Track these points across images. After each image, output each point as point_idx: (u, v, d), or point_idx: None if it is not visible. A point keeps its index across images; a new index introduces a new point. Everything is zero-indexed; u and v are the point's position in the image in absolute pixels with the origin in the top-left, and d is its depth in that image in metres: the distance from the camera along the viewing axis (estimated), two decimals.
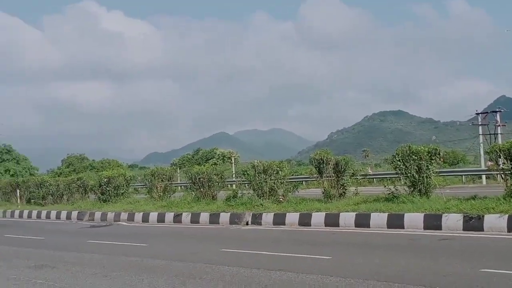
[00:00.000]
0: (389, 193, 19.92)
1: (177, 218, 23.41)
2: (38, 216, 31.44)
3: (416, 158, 19.30)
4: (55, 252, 16.15)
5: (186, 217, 23.01)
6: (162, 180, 29.13)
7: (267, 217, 20.56)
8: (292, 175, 26.72)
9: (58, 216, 30.26)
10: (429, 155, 19.41)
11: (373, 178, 29.69)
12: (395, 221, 16.94)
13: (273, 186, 22.94)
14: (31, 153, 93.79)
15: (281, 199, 22.46)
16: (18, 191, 38.52)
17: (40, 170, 79.46)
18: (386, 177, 23.93)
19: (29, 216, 32.40)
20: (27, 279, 11.53)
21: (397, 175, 21.74)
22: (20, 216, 33.09)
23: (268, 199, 22.55)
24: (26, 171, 72.77)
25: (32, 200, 36.92)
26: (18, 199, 38.25)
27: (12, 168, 72.42)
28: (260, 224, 20.62)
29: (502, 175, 18.40)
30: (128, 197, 31.30)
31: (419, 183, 19.38)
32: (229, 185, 28.56)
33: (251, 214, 21.25)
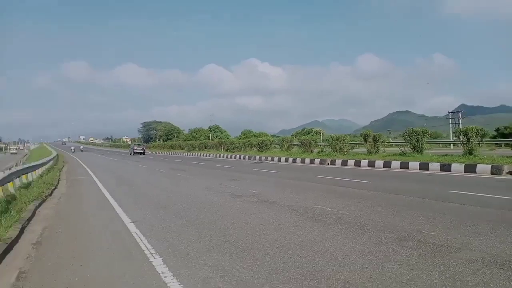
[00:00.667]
0: (401, 152, 23.10)
1: (294, 161, 27.43)
2: (230, 157, 37.44)
3: (415, 134, 22.32)
4: (239, 174, 19.25)
5: (299, 160, 27.13)
6: (286, 142, 35.92)
7: (338, 162, 23.36)
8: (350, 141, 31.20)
9: (238, 157, 36.17)
10: (422, 132, 22.31)
11: (392, 144, 33.25)
12: (404, 165, 18.74)
13: (341, 146, 28.27)
14: (228, 127, 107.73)
15: (345, 153, 27.76)
16: (221, 145, 47.83)
17: (231, 136, 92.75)
18: (400, 143, 28.17)
19: (227, 156, 38.59)
20: (225, 184, 14.21)
21: (405, 142, 23.63)
22: (223, 157, 38.79)
23: (339, 152, 27.87)
24: (225, 136, 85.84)
25: (228, 150, 45.47)
26: (222, 149, 47.18)
27: (217, 135, 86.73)
28: (334, 164, 23.31)
29: (461, 143, 20.37)
30: (271, 150, 38.25)
31: (417, 147, 22.27)
32: (320, 145, 34.15)
33: (330, 160, 23.99)
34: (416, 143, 22.50)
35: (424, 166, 18.02)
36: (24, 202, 11.16)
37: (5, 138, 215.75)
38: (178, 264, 5.22)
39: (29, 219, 9.23)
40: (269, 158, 31.38)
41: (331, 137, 29.14)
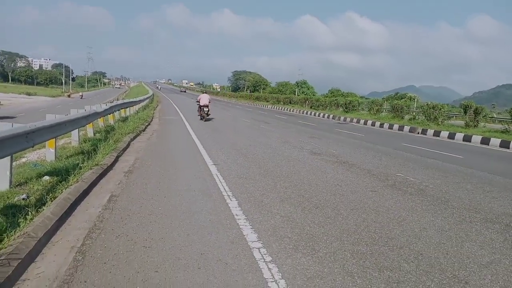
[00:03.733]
0: (504, 129, 20.92)
1: (381, 125, 26.04)
2: (314, 114, 36.56)
3: None
4: (321, 132, 18.95)
5: (386, 125, 25.66)
6: (376, 105, 34.39)
7: (430, 132, 21.83)
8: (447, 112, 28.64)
9: (322, 116, 35.42)
10: None
11: (495, 119, 30.14)
12: (505, 144, 17.10)
13: (436, 116, 26.34)
14: (316, 83, 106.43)
15: (439, 123, 25.90)
16: (306, 102, 47.37)
17: (318, 93, 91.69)
18: (504, 120, 25.58)
19: (311, 114, 38.01)
20: (305, 141, 14.31)
21: (511, 120, 22.02)
22: (306, 113, 38.49)
23: (432, 122, 26.08)
24: (311, 93, 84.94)
25: (312, 107, 45.11)
26: (306, 106, 46.92)
27: (304, 91, 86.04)
28: (425, 134, 21.80)
29: None
30: (358, 111, 37.01)
31: None
32: (412, 112, 32.18)
33: (421, 129, 22.63)
34: None
35: None
36: (121, 134, 12.29)
37: (109, 74, 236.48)
38: (251, 210, 5.44)
39: (124, 150, 10.18)
40: (355, 120, 30.45)
41: (427, 104, 27.22)
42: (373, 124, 27.86)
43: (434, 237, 4.72)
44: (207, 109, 22.31)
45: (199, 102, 22.91)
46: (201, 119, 22.22)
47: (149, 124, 18.34)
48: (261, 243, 4.24)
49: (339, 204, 5.95)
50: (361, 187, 7.19)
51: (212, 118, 22.77)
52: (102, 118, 14.20)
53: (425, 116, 26.68)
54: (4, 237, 3.72)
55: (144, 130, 15.66)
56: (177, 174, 7.75)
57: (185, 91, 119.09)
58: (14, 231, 3.92)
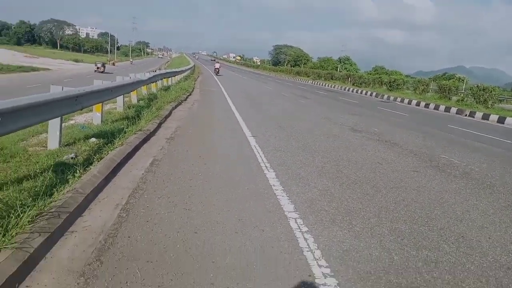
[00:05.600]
0: None
1: (426, 106, 25.23)
2: (356, 92, 35.24)
3: None
4: (363, 110, 18.77)
5: (432, 106, 24.91)
6: (422, 84, 33.04)
7: (478, 115, 21.11)
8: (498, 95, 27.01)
9: (365, 93, 33.63)
10: None
11: None
12: None
13: (486, 98, 25.05)
14: (359, 60, 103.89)
15: (489, 106, 24.68)
16: (349, 78, 46.20)
17: (361, 70, 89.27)
18: None
19: (352, 90, 37.34)
20: (346, 118, 14.33)
21: None
22: (348, 90, 37.74)
23: (481, 105, 24.85)
24: (354, 70, 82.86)
25: (355, 84, 43.98)
26: (348, 82, 45.90)
27: (346, 67, 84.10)
28: (473, 117, 21.05)
29: None
30: (402, 90, 35.76)
31: None
32: (460, 93, 30.76)
33: (469, 112, 21.83)
34: None
35: None
36: (163, 102, 12.56)
37: (152, 44, 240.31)
38: (289, 182, 5.46)
39: (166, 117, 10.43)
40: (398, 99, 29.54)
41: (477, 86, 25.99)
42: (417, 104, 26.93)
43: (477, 220, 4.58)
44: (218, 70, 47.68)
45: (215, 66, 49.10)
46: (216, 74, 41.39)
47: (190, 94, 18.60)
48: (298, 214, 4.27)
49: (378, 181, 5.86)
50: (403, 166, 7.03)
51: (222, 75, 27.33)
52: (145, 86, 14.54)
53: (474, 98, 25.52)
54: (55, 192, 3.94)
55: (185, 100, 15.92)
56: (216, 143, 7.88)
57: (214, 60, 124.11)
58: (64, 187, 4.15)
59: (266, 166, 6.20)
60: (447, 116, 21.17)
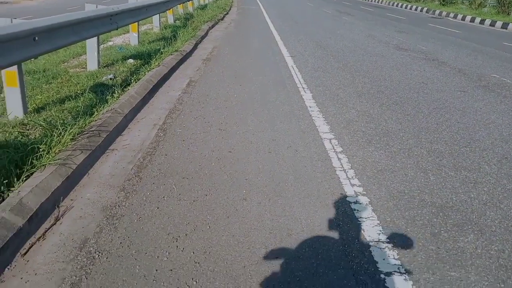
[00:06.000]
0: None
1: (481, 22, 23.64)
2: (405, 7, 32.44)
3: None
4: (410, 27, 17.86)
5: (488, 22, 23.90)
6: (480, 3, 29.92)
7: None
8: None
9: (414, 9, 31.40)
10: None
11: None
12: None
13: None
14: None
15: None
16: None
17: None
18: None
19: (401, 6, 34.21)
20: (392, 36, 13.08)
21: None
22: (396, 5, 34.57)
23: None
24: None
25: None
26: None
27: None
28: None
29: None
30: (456, 5, 32.65)
31: None
32: None
33: None
34: None
35: None
36: (200, 22, 12.26)
37: None
38: (326, 103, 5.34)
39: (202, 38, 10.23)
40: (451, 15, 27.12)
41: None
42: (472, 20, 24.71)
43: None
44: None
45: None
46: None
47: (227, 13, 17.99)
48: (333, 135, 4.21)
49: (421, 102, 5.60)
50: (449, 86, 6.64)
51: None
52: (181, 5, 14.16)
53: None
54: (94, 112, 4.07)
55: (222, 19, 15.46)
56: (253, 63, 7.71)
57: None
58: (103, 107, 4.27)
59: (303, 87, 6.06)
60: (504, 33, 19.37)
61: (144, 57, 6.80)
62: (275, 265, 2.22)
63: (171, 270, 2.15)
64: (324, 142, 4.00)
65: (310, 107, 5.13)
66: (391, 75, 7.17)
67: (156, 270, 2.15)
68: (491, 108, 5.49)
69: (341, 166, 3.49)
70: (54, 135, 3.20)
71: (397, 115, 4.98)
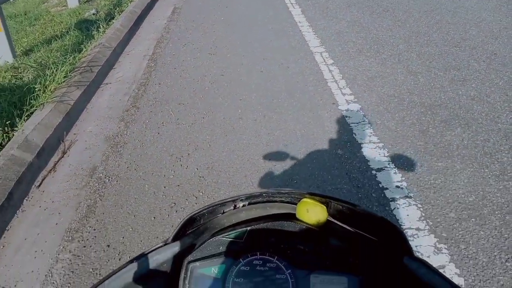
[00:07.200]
0: None
1: None
2: None
3: None
4: None
5: None
6: None
7: None
8: None
9: None
10: None
11: None
12: None
13: None
14: None
15: None
16: None
17: None
18: None
19: None
20: None
21: None
22: None
23: None
24: None
25: None
26: None
27: None
28: None
29: None
30: None
31: None
32: None
33: None
34: None
35: None
36: None
37: None
38: (315, 16, 5.22)
39: None
40: None
41: None
42: None
43: None
44: None
45: None
46: None
47: None
48: (324, 48, 4.20)
49: (412, 6, 5.47)
50: None
51: None
52: None
53: None
54: (83, 48, 4.04)
55: None
56: None
57: None
58: (90, 43, 4.22)
59: (291, 3, 5.89)
60: None
61: None
62: (274, 172, 2.37)
63: (178, 185, 2.31)
64: (315, 56, 4.00)
65: (299, 22, 5.04)
66: None
67: (164, 187, 2.31)
68: (482, 6, 5.37)
69: (332, 77, 3.53)
70: (47, 74, 3.22)
71: (388, 22, 4.91)
